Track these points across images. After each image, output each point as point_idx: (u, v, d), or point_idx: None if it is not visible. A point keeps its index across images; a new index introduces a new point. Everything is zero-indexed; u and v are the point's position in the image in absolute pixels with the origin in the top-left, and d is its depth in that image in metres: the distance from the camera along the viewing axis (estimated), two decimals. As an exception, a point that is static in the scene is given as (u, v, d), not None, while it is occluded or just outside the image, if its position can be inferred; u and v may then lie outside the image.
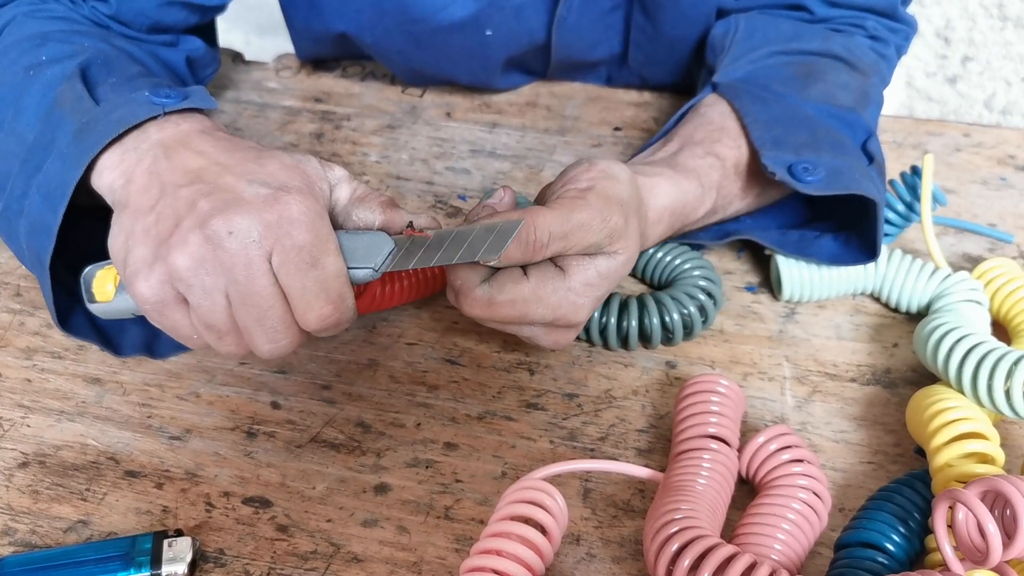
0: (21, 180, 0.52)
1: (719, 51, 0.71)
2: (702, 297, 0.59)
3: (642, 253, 0.62)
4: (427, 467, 0.53)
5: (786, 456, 0.49)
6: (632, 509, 0.51)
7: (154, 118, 0.51)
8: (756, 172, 0.60)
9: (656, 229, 0.56)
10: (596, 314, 0.58)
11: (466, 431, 0.55)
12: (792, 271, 0.61)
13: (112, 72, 0.57)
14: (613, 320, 0.58)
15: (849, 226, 0.61)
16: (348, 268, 0.47)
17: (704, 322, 0.59)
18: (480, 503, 0.51)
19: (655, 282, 0.64)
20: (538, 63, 0.82)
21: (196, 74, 0.73)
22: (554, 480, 0.51)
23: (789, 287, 0.61)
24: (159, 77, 0.63)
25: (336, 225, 0.50)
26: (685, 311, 0.58)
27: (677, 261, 0.61)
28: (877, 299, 0.63)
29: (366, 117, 0.81)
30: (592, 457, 0.54)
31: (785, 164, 0.57)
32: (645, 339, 0.59)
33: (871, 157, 0.60)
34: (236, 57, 0.89)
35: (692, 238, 0.63)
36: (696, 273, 0.60)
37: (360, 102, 0.83)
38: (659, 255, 0.62)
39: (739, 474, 0.51)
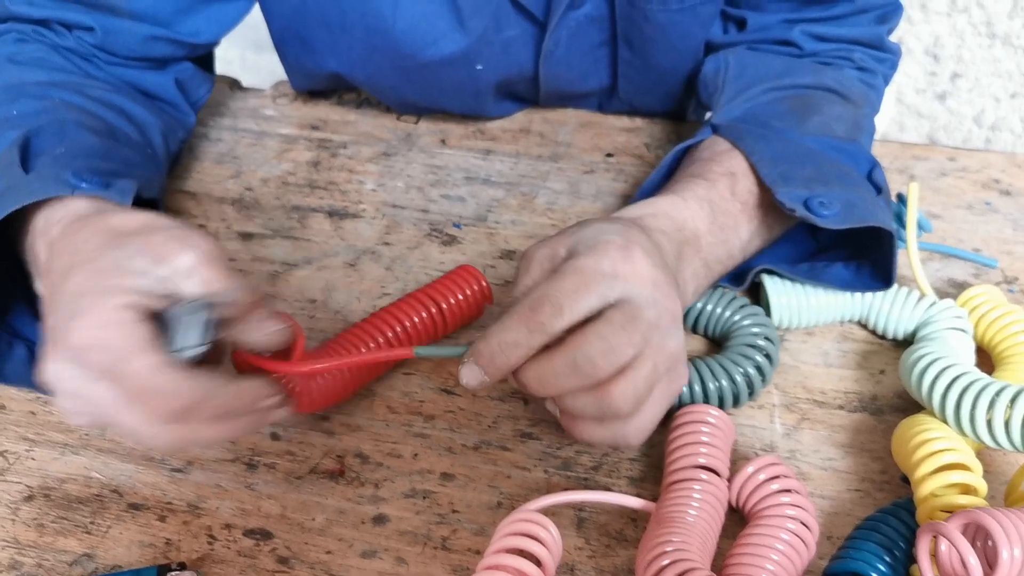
0: None
1: (712, 90, 0.72)
2: (751, 371, 0.58)
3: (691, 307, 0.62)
4: (424, 498, 0.54)
5: (775, 486, 0.51)
6: (625, 538, 0.52)
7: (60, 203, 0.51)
8: (758, 197, 0.61)
9: (659, 233, 0.54)
10: None
11: (462, 461, 0.56)
12: (781, 298, 0.62)
13: (63, 141, 0.58)
14: None
15: (858, 254, 0.62)
16: (176, 351, 0.45)
17: (751, 394, 0.59)
18: (476, 533, 0.52)
19: (710, 334, 0.64)
20: (529, 93, 0.83)
21: (188, 96, 0.74)
22: (548, 510, 0.52)
23: (778, 313, 0.63)
24: (122, 141, 0.64)
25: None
26: (731, 384, 0.58)
27: (728, 313, 0.61)
28: (864, 326, 0.65)
29: (362, 144, 0.83)
30: (586, 486, 0.55)
31: (800, 199, 0.57)
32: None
33: (878, 187, 0.62)
34: (233, 84, 0.90)
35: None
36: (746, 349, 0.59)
37: (356, 129, 0.84)
38: (708, 307, 0.62)
39: (729, 503, 0.52)
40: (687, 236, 0.57)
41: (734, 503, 0.52)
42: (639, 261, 0.48)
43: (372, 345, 0.57)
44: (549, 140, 0.83)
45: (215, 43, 0.73)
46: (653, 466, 0.56)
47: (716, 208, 0.59)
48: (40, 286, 0.52)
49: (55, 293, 0.46)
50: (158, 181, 0.66)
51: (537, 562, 0.47)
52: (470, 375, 0.48)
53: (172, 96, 0.74)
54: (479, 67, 0.74)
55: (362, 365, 0.52)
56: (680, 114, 0.85)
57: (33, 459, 0.56)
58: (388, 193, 0.77)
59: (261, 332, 0.48)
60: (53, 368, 0.44)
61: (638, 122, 0.85)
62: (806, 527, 0.49)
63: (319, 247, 0.72)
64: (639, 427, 0.50)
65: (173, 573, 0.49)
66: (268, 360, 0.50)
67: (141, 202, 0.59)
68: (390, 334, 0.58)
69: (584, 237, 0.49)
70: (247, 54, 1.78)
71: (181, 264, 0.46)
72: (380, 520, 0.53)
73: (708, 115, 0.86)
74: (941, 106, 1.39)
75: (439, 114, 0.85)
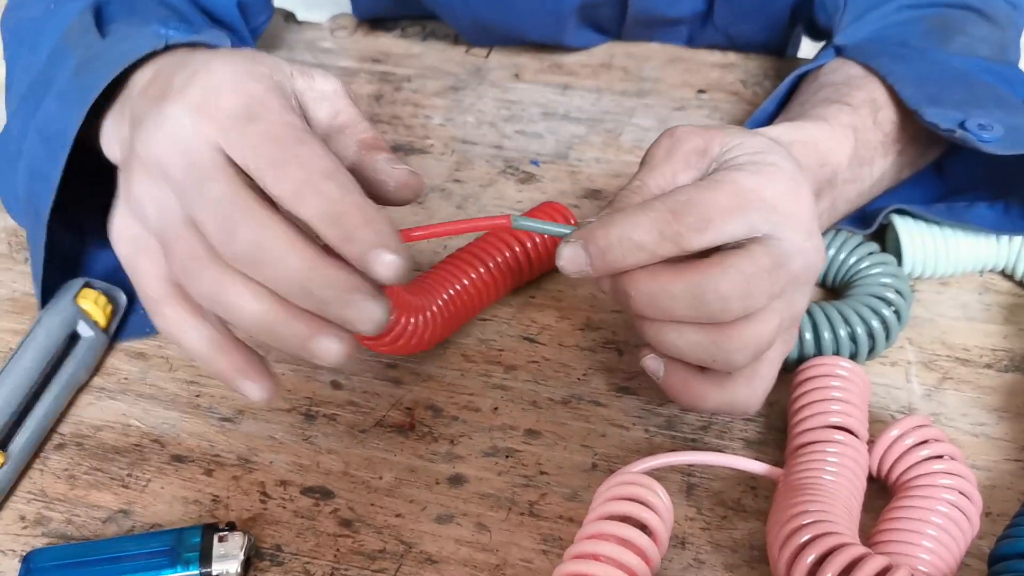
0: (19, 120, 0.48)
1: (832, 10, 0.64)
2: (881, 316, 0.50)
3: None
4: (507, 456, 0.47)
5: (926, 451, 0.43)
6: (744, 509, 0.44)
7: (148, 61, 0.45)
8: (899, 128, 0.53)
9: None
10: None
11: (549, 417, 0.49)
12: (915, 241, 0.54)
13: (134, 10, 0.52)
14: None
15: (1002, 193, 0.54)
16: None
17: (871, 351, 0.51)
18: (569, 499, 0.45)
19: (828, 283, 0.55)
20: (613, 20, 0.75)
21: (249, 21, 0.68)
22: (654, 473, 0.45)
23: (911, 260, 0.54)
24: (194, 23, 0.58)
25: None
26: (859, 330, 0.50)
27: (852, 260, 0.53)
28: (1009, 276, 0.56)
29: (428, 78, 0.75)
30: (695, 448, 0.47)
31: (956, 121, 0.49)
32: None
33: None
34: (288, 16, 0.83)
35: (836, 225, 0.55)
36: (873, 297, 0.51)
37: (421, 63, 0.77)
38: (830, 251, 0.54)
39: (868, 472, 0.44)
40: (827, 174, 0.50)
41: (875, 472, 0.44)
42: (805, 202, 0.40)
43: (457, 287, 0.50)
44: (633, 75, 0.75)
45: None
46: (773, 427, 0.48)
47: (859, 139, 0.51)
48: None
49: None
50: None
51: (647, 531, 0.40)
52: (572, 259, 0.39)
53: (233, 19, 0.67)
54: (563, -20, 0.66)
55: (459, 232, 0.42)
56: (779, 48, 0.77)
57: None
58: (457, 128, 0.70)
59: (391, 168, 0.40)
60: (166, 112, 0.36)
61: (732, 57, 0.77)
62: (968, 499, 0.41)
63: (383, 183, 0.65)
64: (758, 390, 0.43)
65: (221, 534, 0.42)
66: None
67: None
68: (473, 275, 0.51)
69: (747, 147, 0.41)
70: (298, 10, 1.72)
71: (321, 86, 0.40)
72: (457, 481, 0.46)
73: (817, 47, 0.77)
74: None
75: (511, 47, 0.78)
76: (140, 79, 0.44)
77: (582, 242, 0.39)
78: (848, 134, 0.50)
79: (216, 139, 0.35)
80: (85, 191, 0.50)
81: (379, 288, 0.36)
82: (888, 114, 0.52)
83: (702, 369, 0.43)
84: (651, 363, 0.44)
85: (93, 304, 0.50)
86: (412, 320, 0.47)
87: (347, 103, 0.41)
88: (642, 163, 0.43)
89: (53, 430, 0.48)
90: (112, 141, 0.45)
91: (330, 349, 0.35)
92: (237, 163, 0.35)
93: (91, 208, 0.50)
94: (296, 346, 0.35)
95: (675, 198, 0.38)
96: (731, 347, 0.39)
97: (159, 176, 0.36)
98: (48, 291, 0.50)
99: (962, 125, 0.49)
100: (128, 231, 0.38)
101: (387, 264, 0.34)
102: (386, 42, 0.80)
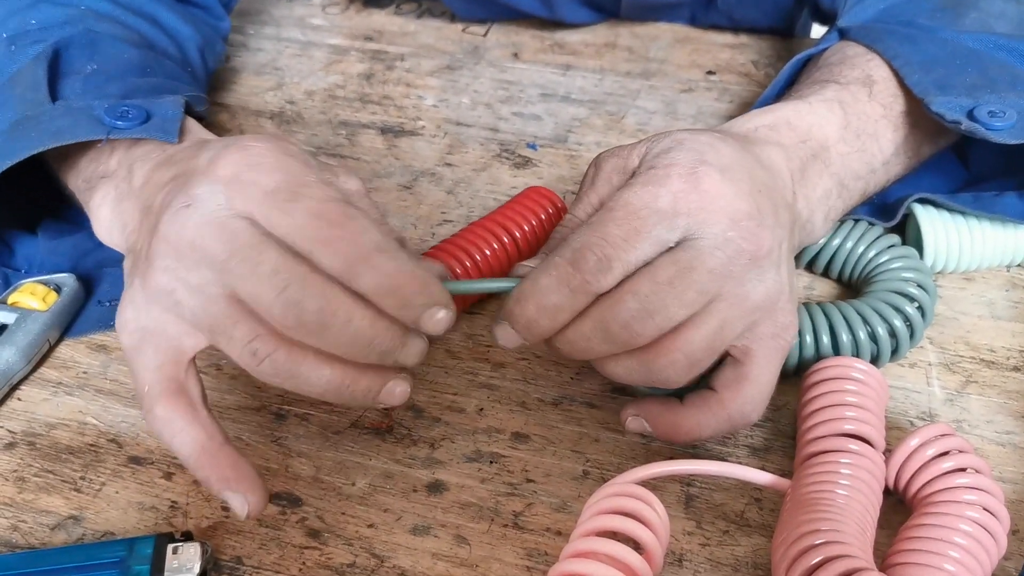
0: None
1: None
2: (904, 315, 0.46)
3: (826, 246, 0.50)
4: (491, 462, 0.43)
5: (950, 464, 0.39)
6: (748, 523, 0.41)
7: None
8: (906, 107, 0.49)
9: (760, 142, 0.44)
10: None
11: (538, 419, 0.45)
12: (937, 231, 0.50)
13: (95, 56, 0.50)
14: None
15: None
16: None
17: (893, 352, 0.47)
18: (557, 509, 0.41)
19: (846, 279, 0.51)
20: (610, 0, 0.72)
21: None
22: (650, 483, 0.41)
23: (932, 253, 0.50)
24: (158, 49, 0.56)
25: None
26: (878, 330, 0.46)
27: (871, 254, 0.49)
28: (1039, 271, 0.52)
29: (422, 57, 0.71)
30: (695, 456, 0.44)
31: (964, 110, 0.46)
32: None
33: None
34: (278, -8, 0.80)
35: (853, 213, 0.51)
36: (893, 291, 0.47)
37: (416, 41, 0.73)
38: (848, 244, 0.50)
39: (885, 485, 0.40)
40: (813, 148, 0.46)
41: (891, 485, 0.40)
42: (710, 189, 0.37)
43: None
44: (639, 56, 0.71)
45: None
46: (780, 433, 0.44)
47: (849, 110, 0.48)
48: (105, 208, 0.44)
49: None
50: (204, 103, 0.56)
51: (639, 548, 0.36)
52: (508, 339, 0.39)
53: None
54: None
55: None
56: (786, 31, 0.73)
57: (19, 399, 0.46)
58: (451, 109, 0.66)
59: None
60: (196, 191, 0.36)
61: (743, 38, 0.73)
62: (994, 516, 0.37)
63: (370, 167, 0.61)
64: (751, 395, 0.40)
65: (175, 545, 0.38)
66: None
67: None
68: (459, 270, 0.48)
69: (654, 151, 0.40)
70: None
71: (344, 184, 0.40)
72: (436, 488, 0.42)
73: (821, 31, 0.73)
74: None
75: (510, 26, 0.74)
76: (91, 164, 0.45)
77: (507, 323, 0.38)
78: (833, 108, 0.48)
79: (253, 214, 0.35)
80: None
81: None
82: (889, 88, 0.50)
83: (680, 401, 0.41)
84: (634, 424, 0.42)
85: (29, 295, 0.47)
86: None
87: (368, 204, 0.41)
88: (575, 202, 0.42)
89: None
90: (112, 228, 0.43)
91: (397, 392, 0.37)
92: (279, 238, 0.35)
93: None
94: (369, 400, 0.37)
95: (571, 246, 0.37)
96: (659, 364, 0.38)
97: (193, 258, 0.35)
98: None
99: (970, 114, 0.46)
100: (137, 321, 0.37)
101: (439, 320, 0.36)
102: (380, 19, 0.76)
